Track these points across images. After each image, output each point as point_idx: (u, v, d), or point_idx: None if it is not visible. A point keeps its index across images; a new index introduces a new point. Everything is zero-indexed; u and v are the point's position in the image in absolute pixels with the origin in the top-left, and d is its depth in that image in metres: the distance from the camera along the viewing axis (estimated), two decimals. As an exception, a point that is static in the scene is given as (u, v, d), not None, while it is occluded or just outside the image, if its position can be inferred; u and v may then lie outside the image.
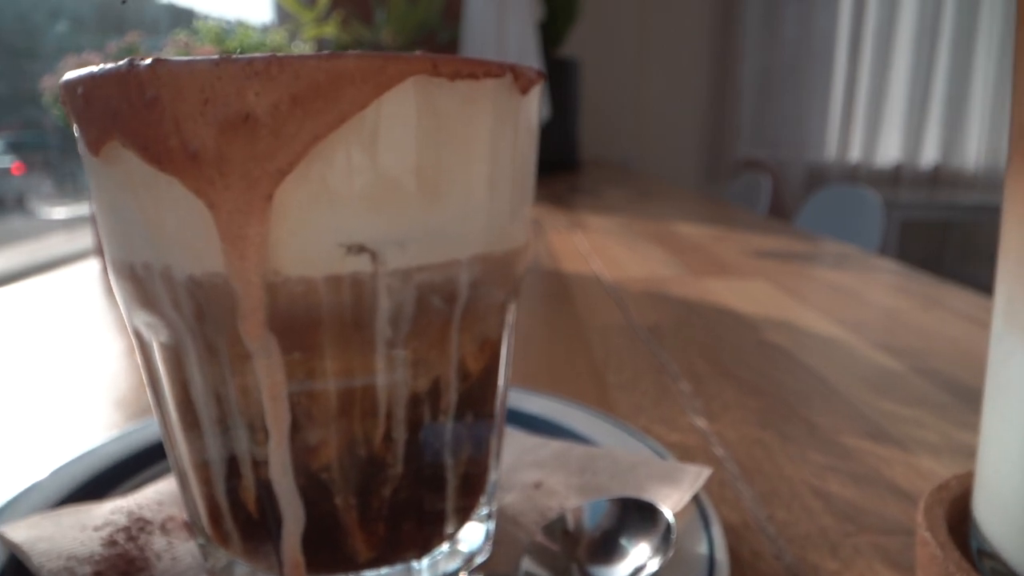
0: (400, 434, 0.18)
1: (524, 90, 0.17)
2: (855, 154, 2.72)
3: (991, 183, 2.69)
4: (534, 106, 0.19)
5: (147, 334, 0.18)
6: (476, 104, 0.16)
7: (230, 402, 0.17)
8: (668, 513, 0.20)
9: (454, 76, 0.15)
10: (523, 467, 0.27)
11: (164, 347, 0.18)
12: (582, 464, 0.26)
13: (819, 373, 0.43)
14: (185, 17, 1.75)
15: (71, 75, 0.16)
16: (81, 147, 0.17)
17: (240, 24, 0.96)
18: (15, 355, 0.47)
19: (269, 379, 0.16)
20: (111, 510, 0.24)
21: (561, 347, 0.48)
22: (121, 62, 0.14)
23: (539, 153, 0.21)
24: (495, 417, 0.21)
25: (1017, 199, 0.19)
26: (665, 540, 0.20)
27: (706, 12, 2.69)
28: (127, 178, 0.15)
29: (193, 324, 0.16)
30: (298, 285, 0.15)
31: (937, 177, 2.75)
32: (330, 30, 1.47)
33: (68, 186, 1.56)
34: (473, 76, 0.16)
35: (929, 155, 2.73)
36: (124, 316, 0.19)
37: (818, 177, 2.68)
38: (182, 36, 0.83)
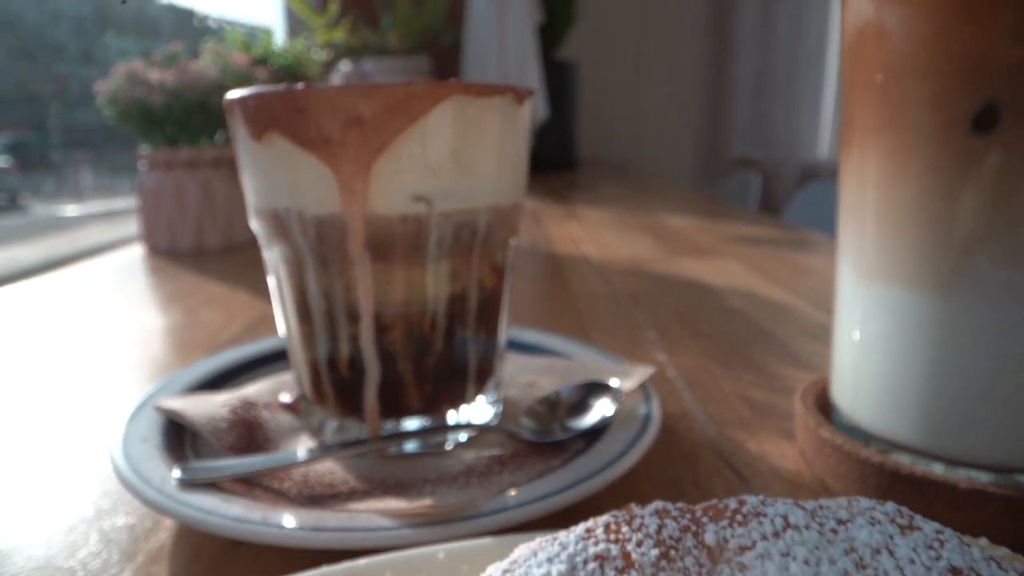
0: (441, 322, 0.28)
1: (520, 102, 0.28)
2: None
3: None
4: (527, 111, 0.29)
5: (277, 257, 0.28)
6: (489, 112, 0.27)
7: (335, 297, 0.27)
8: (616, 382, 0.30)
9: (477, 95, 0.26)
10: (520, 374, 0.37)
11: (289, 264, 0.28)
12: (563, 371, 0.37)
13: (767, 328, 0.53)
14: (185, 17, 1.82)
15: (241, 92, 0.26)
16: (243, 136, 0.27)
17: (263, 32, 1.06)
18: (66, 336, 0.58)
19: (363, 280, 0.26)
20: (225, 397, 0.34)
21: (554, 312, 0.58)
22: (281, 85, 0.25)
23: (538, 152, 0.31)
24: (500, 320, 0.31)
25: (847, 174, 0.29)
26: (616, 398, 0.30)
27: (701, 14, 2.79)
28: (279, 155, 0.26)
29: (314, 246, 0.27)
30: (383, 220, 0.26)
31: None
32: (339, 35, 1.57)
33: (71, 186, 1.57)
34: (488, 94, 0.26)
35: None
36: (263, 244, 0.29)
37: (811, 175, 2.78)
38: (212, 44, 0.94)
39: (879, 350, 0.27)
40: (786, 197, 2.60)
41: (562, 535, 0.15)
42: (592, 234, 0.95)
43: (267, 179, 0.27)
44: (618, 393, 0.30)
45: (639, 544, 0.15)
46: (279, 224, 0.27)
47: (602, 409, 0.30)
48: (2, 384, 0.43)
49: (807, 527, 0.15)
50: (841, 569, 0.14)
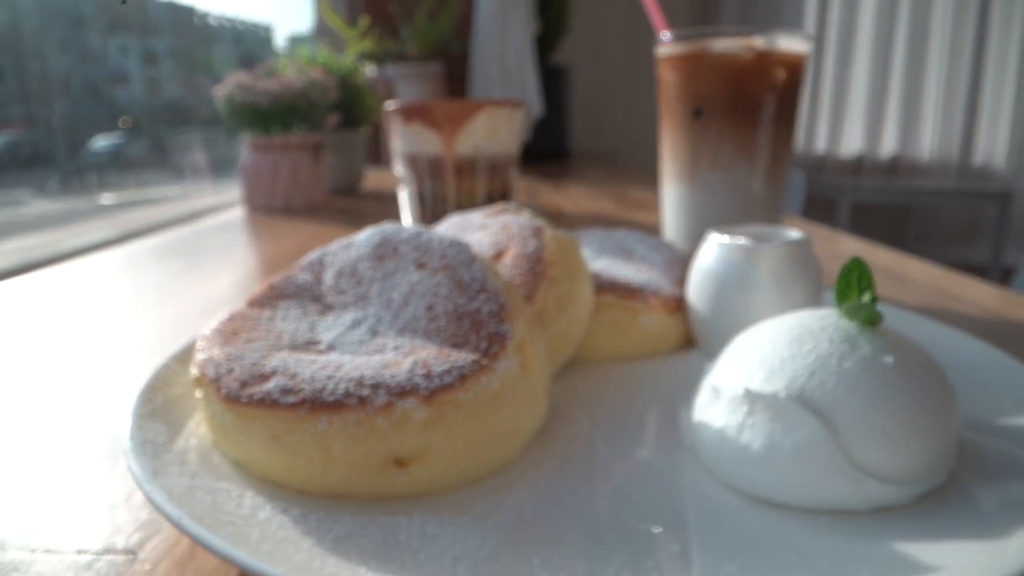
0: (483, 200, 0.67)
1: (517, 108, 0.66)
2: (820, 145, 3.21)
3: (944, 171, 3.18)
4: (521, 112, 0.68)
5: (411, 176, 0.67)
6: (503, 113, 0.65)
7: (437, 194, 0.66)
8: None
9: (496, 105, 0.64)
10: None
11: (417, 179, 0.66)
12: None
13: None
14: (185, 16, 2.08)
15: (396, 103, 0.64)
16: (398, 122, 0.65)
17: (321, 48, 1.45)
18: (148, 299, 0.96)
19: (451, 185, 0.65)
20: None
21: (539, 234, 0.96)
22: (415, 100, 0.63)
23: (535, 143, 0.70)
24: (508, 209, 0.70)
25: (661, 136, 0.67)
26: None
27: (685, 21, 3.18)
28: (415, 130, 0.64)
29: (429, 171, 0.65)
30: (459, 158, 0.64)
31: (896, 166, 3.24)
32: (367, 45, 1.96)
33: (75, 183, 1.65)
34: (502, 105, 0.64)
35: (888, 146, 3.22)
36: (402, 170, 0.67)
37: (787, 166, 3.16)
38: (288, 60, 1.32)
39: (670, 216, 0.65)
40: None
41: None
42: (572, 199, 1.33)
43: (409, 141, 0.65)
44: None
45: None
46: (413, 160, 0.65)
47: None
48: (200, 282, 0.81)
49: (601, 234, 0.54)
50: (609, 241, 0.53)
